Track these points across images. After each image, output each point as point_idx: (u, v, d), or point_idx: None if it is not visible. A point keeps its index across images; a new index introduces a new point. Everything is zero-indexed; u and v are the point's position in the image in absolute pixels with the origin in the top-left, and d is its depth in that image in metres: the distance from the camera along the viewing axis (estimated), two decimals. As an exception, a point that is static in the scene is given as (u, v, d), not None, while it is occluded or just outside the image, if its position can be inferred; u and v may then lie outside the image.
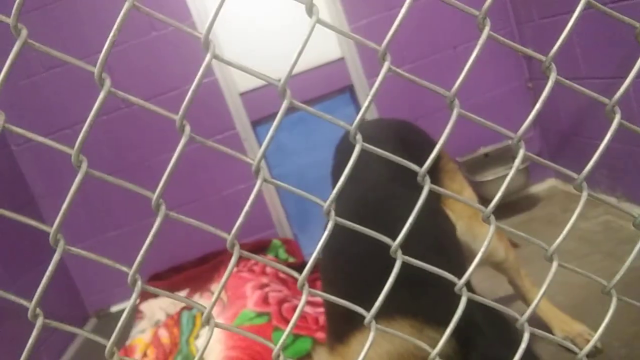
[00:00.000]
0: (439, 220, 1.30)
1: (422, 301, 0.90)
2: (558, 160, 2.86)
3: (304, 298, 0.51)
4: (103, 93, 0.43)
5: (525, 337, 0.54)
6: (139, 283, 0.48)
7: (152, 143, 2.66)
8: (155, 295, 2.42)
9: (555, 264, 0.52)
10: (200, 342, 1.86)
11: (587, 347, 0.53)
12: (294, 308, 2.07)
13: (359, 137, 0.48)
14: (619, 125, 0.51)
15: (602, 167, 2.47)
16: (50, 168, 2.61)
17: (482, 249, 0.50)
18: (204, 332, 1.92)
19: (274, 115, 2.04)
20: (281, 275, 2.35)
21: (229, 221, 0.49)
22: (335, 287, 1.15)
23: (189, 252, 2.66)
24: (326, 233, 0.49)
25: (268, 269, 2.36)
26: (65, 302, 2.56)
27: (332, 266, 1.20)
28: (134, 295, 0.47)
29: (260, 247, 2.59)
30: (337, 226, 0.52)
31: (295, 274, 0.53)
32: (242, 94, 2.70)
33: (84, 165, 0.45)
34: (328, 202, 0.49)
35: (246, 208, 0.48)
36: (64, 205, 0.44)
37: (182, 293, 2.42)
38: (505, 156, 2.82)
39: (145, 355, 1.87)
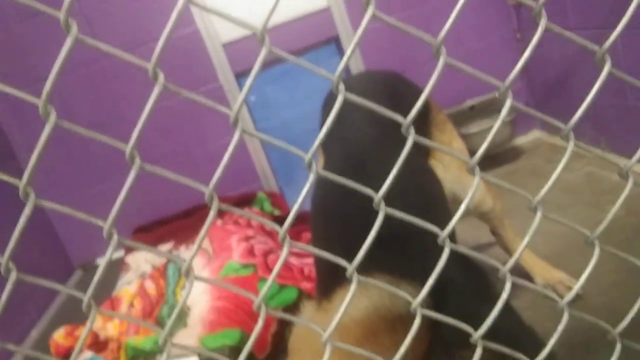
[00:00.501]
0: (425, 176, 1.29)
1: (399, 258, 0.91)
2: (544, 112, 2.83)
3: (285, 251, 0.51)
4: (70, 39, 0.40)
5: (507, 286, 0.54)
6: (115, 237, 0.46)
7: (134, 96, 2.60)
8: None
9: (539, 214, 0.51)
10: (185, 293, 1.87)
11: (570, 295, 0.54)
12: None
13: (341, 87, 0.46)
14: (609, 73, 0.49)
15: (586, 119, 2.47)
16: (30, 122, 2.55)
17: (466, 200, 0.50)
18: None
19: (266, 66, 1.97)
20: (266, 228, 2.36)
21: (213, 175, 0.47)
22: (322, 241, 1.16)
23: (174, 205, 2.65)
24: (307, 185, 0.48)
25: (253, 222, 2.37)
26: (49, 255, 2.56)
27: (320, 221, 1.21)
28: (110, 249, 0.46)
29: (246, 200, 2.58)
30: (326, 181, 0.51)
31: (277, 227, 0.52)
32: (225, 45, 2.63)
33: (52, 117, 0.43)
34: (309, 153, 0.48)
35: (224, 161, 0.47)
36: (33, 158, 0.43)
37: (168, 245, 2.42)
38: (490, 109, 2.81)
39: (131, 305, 1.88)
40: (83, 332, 0.49)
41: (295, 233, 2.36)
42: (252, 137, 2.77)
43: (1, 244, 0.52)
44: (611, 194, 2.14)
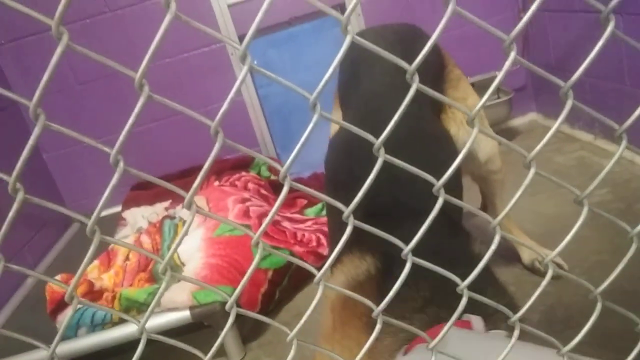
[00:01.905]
0: (432, 128, 1.29)
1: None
2: (542, 93, 2.86)
3: (285, 190, 0.52)
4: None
5: (496, 239, 0.56)
6: (121, 164, 0.48)
7: (137, 49, 2.59)
8: (137, 204, 2.44)
9: (532, 170, 0.53)
10: (181, 249, 1.90)
11: (554, 253, 0.56)
12: (274, 222, 2.11)
13: (350, 27, 0.47)
14: (612, 34, 0.50)
15: (583, 103, 2.48)
16: (31, 66, 2.54)
17: (465, 148, 0.51)
18: (185, 240, 1.96)
19: (263, 30, 1.99)
20: (262, 191, 2.38)
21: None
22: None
23: (173, 164, 2.66)
24: (310, 126, 0.49)
25: (250, 185, 2.39)
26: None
27: (332, 182, 1.26)
28: (116, 175, 0.47)
29: (243, 164, 2.59)
30: (339, 143, 0.52)
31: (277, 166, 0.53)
32: (230, 6, 2.60)
33: (65, 38, 0.43)
34: (314, 94, 0.49)
35: (231, 94, 0.48)
36: (45, 77, 0.43)
37: (164, 204, 2.45)
38: (489, 87, 2.80)
39: (127, 259, 1.91)
40: (85, 259, 0.50)
41: (290, 198, 2.38)
42: (253, 104, 2.77)
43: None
44: (600, 179, 2.17)
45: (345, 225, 0.54)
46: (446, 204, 0.54)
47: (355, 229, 0.54)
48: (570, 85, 0.50)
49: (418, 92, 0.50)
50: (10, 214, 0.48)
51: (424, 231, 0.54)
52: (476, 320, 0.74)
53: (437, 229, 0.58)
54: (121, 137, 0.47)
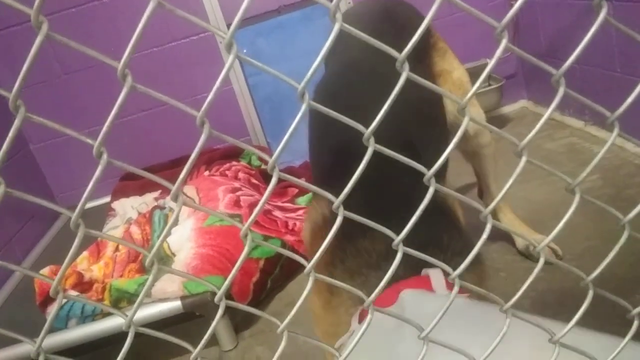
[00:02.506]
0: (425, 106, 1.27)
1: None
2: (533, 81, 2.86)
3: (273, 181, 0.51)
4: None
5: (487, 228, 0.55)
6: (105, 156, 0.47)
7: (123, 39, 2.55)
8: (126, 194, 2.42)
9: (524, 159, 0.52)
10: (171, 239, 1.89)
11: (544, 242, 0.55)
12: (265, 212, 2.10)
13: (338, 15, 0.46)
14: (604, 21, 0.49)
15: (572, 90, 2.48)
16: (17, 58, 2.49)
17: (457, 137, 0.50)
18: (175, 230, 1.95)
19: (252, 18, 1.96)
20: (253, 181, 2.37)
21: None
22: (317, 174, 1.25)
23: (162, 154, 2.64)
24: (299, 115, 0.48)
25: (240, 174, 2.37)
26: (36, 197, 2.55)
27: (315, 158, 1.26)
28: (100, 167, 0.46)
29: (234, 153, 2.58)
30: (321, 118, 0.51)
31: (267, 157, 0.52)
32: (219, -6, 2.57)
33: (44, 27, 0.42)
34: (302, 84, 0.48)
35: (216, 84, 0.47)
36: (24, 68, 0.42)
37: (154, 194, 2.43)
38: (480, 75, 2.79)
39: (117, 250, 1.90)
40: (70, 253, 0.49)
41: (281, 187, 2.38)
42: (242, 92, 2.75)
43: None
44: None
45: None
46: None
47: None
48: (562, 72, 0.49)
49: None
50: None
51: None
52: (435, 275, 0.74)
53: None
54: (104, 128, 0.46)
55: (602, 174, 2.03)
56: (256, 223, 1.98)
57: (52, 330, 1.65)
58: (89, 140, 0.47)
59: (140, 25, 0.43)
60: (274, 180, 0.51)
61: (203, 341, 0.57)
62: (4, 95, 0.45)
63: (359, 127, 0.51)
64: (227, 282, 0.55)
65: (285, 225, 2.07)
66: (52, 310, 1.65)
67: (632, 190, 1.88)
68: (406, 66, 0.49)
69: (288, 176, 0.54)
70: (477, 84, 0.52)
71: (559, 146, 2.38)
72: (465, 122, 0.52)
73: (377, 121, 0.50)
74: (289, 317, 0.55)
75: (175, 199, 0.50)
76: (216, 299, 0.54)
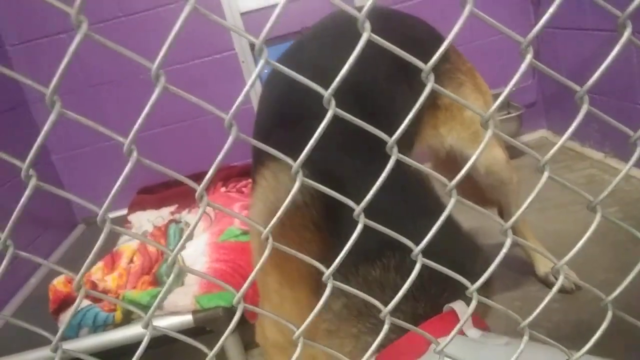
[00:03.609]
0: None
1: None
2: (552, 110, 2.86)
3: (296, 185, 0.52)
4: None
5: (507, 243, 0.55)
6: (135, 154, 0.48)
7: (150, 54, 2.61)
8: (143, 208, 2.45)
9: (546, 174, 0.53)
10: (186, 253, 1.90)
11: (563, 261, 0.55)
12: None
13: (367, 25, 0.47)
14: (628, 40, 0.50)
15: (592, 122, 2.47)
16: (42, 67, 2.56)
17: (477, 151, 0.51)
18: (190, 244, 1.96)
19: (275, 38, 1.98)
20: (269, 199, 2.38)
21: (224, 141, 0.48)
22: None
23: (180, 169, 2.64)
24: (325, 121, 0.49)
25: (257, 192, 2.38)
26: (54, 207, 2.59)
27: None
28: (129, 165, 0.47)
29: (251, 171, 2.59)
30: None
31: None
32: (243, 14, 2.63)
33: (84, 26, 0.44)
34: (329, 90, 0.49)
35: (246, 87, 0.48)
36: (62, 65, 0.44)
37: (170, 208, 2.45)
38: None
39: (131, 261, 1.91)
40: (94, 248, 0.50)
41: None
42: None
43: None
44: (610, 197, 2.16)
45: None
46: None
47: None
48: (587, 89, 0.50)
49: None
50: (22, 200, 0.48)
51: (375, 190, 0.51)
52: (459, 307, 0.71)
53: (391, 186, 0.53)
54: (136, 126, 0.47)
55: (621, 207, 2.01)
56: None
57: (64, 338, 1.65)
58: (121, 138, 0.49)
59: (176, 27, 0.44)
60: (297, 185, 0.52)
61: (216, 348, 0.58)
62: (28, 103, 0.46)
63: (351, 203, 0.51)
64: (245, 286, 0.55)
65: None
66: (65, 317, 1.66)
67: (652, 223, 1.85)
68: (432, 77, 0.50)
69: (312, 182, 0.55)
70: (497, 103, 0.52)
71: (578, 177, 2.36)
72: (488, 134, 0.53)
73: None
74: (305, 324, 0.55)
75: (200, 199, 0.51)
76: (235, 300, 0.55)
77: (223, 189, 2.42)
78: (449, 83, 1.40)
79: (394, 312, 0.77)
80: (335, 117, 0.49)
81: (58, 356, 0.56)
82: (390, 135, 0.50)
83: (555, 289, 0.56)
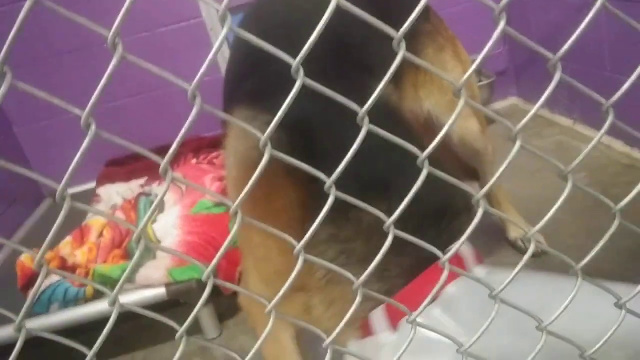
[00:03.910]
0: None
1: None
2: (524, 78, 2.87)
3: (266, 158, 0.50)
4: None
5: (479, 213, 0.55)
6: (93, 127, 0.45)
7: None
8: (112, 180, 2.39)
9: (518, 144, 0.52)
10: (158, 226, 1.87)
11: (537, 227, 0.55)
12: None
13: (335, -11, 0.45)
14: (602, 6, 0.49)
15: (562, 89, 2.50)
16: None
17: (450, 121, 0.50)
18: (162, 217, 1.93)
19: (245, 6, 1.90)
20: (241, 170, 2.35)
21: (190, 113, 0.46)
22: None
23: (148, 141, 2.60)
24: (293, 92, 0.47)
25: (229, 163, 2.35)
26: (19, 182, 2.51)
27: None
28: (87, 139, 0.45)
29: (222, 142, 2.55)
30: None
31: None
32: (211, -21, 2.54)
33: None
34: (297, 60, 0.47)
35: (210, 56, 0.46)
36: (12, 33, 0.41)
37: (140, 181, 2.40)
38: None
39: (101, 235, 1.87)
40: (55, 226, 0.48)
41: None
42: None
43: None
44: (578, 163, 2.21)
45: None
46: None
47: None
48: (560, 56, 0.49)
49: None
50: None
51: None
52: (467, 252, 0.71)
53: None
54: (93, 99, 0.45)
55: (588, 172, 2.05)
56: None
57: (34, 315, 1.62)
58: (77, 111, 0.46)
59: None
60: (266, 158, 0.50)
61: (188, 321, 0.57)
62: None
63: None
64: (215, 260, 0.54)
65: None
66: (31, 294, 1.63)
67: (619, 190, 1.89)
68: (403, 45, 0.48)
69: (281, 155, 0.53)
70: (470, 71, 0.51)
71: (547, 144, 2.40)
72: (460, 104, 0.52)
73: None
74: (277, 297, 0.54)
75: (164, 173, 0.49)
76: (204, 276, 0.53)
77: (194, 161, 2.38)
78: (430, 44, 1.36)
79: (399, 257, 0.75)
80: (313, 66, 0.48)
81: (22, 337, 0.54)
82: (363, 104, 0.48)
83: (526, 257, 0.56)
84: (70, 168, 0.46)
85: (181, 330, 0.53)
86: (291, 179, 0.82)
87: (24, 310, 0.51)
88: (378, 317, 0.71)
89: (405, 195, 0.51)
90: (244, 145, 0.93)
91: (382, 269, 0.67)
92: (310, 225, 0.51)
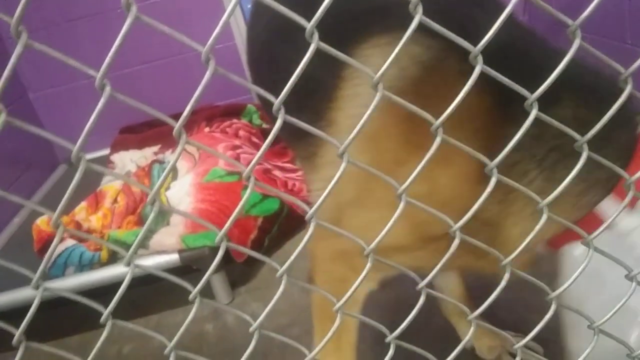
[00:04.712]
0: None
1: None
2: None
3: (278, 123, 0.50)
4: None
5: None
6: (108, 88, 0.46)
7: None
8: (126, 147, 2.41)
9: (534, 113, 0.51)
10: (170, 193, 1.89)
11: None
12: (265, 171, 2.10)
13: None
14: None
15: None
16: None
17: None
18: (174, 184, 1.95)
19: None
20: (253, 139, 2.36)
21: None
22: None
23: (160, 109, 2.59)
24: (307, 55, 0.47)
25: (241, 132, 2.36)
26: (34, 147, 2.54)
27: None
28: (102, 100, 0.45)
29: (234, 111, 2.55)
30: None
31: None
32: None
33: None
34: (311, 22, 0.46)
35: (224, 18, 0.45)
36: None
37: (153, 148, 2.42)
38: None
39: (115, 201, 1.90)
40: (71, 186, 0.49)
41: (281, 147, 2.37)
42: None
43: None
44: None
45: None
46: None
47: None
48: (579, 23, 0.48)
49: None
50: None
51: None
52: (607, 205, 0.70)
53: None
54: (107, 59, 0.45)
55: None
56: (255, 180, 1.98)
57: (50, 278, 1.66)
58: (92, 71, 0.46)
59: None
60: (279, 123, 0.50)
61: (200, 284, 0.58)
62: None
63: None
64: (228, 224, 0.55)
65: (285, 185, 2.07)
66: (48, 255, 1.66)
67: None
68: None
69: (294, 120, 0.53)
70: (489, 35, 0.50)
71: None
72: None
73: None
74: (288, 262, 0.55)
75: (178, 136, 0.50)
76: (217, 239, 0.54)
77: (207, 129, 2.39)
78: None
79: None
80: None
81: (39, 294, 0.56)
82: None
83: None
84: (86, 128, 0.47)
85: (194, 291, 0.54)
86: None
87: (41, 267, 0.53)
88: (608, 205, 0.70)
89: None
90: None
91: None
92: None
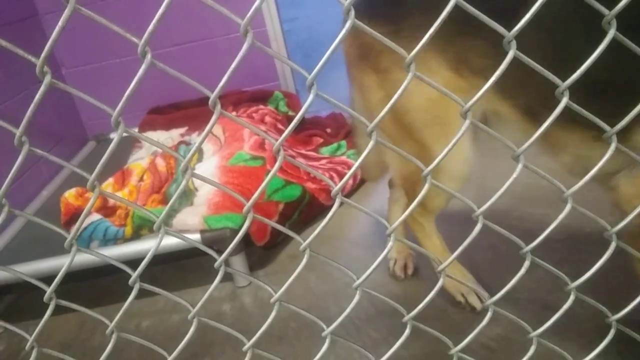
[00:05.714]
0: None
1: None
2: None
3: (310, 98, 0.51)
4: None
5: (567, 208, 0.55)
6: (149, 56, 0.47)
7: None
8: (153, 128, 2.45)
9: (520, 165, 0.51)
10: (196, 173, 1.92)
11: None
12: (289, 157, 2.11)
13: None
14: None
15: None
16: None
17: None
18: (199, 166, 1.98)
19: None
20: (279, 126, 2.37)
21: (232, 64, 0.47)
22: None
23: (190, 91, 2.64)
24: (339, 37, 0.48)
25: (267, 118, 2.38)
26: (64, 122, 2.60)
27: None
28: (143, 67, 0.47)
29: (262, 97, 2.57)
30: None
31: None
32: None
33: None
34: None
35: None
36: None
37: (180, 130, 2.45)
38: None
39: (141, 179, 1.93)
40: (110, 147, 0.51)
41: (306, 136, 2.38)
42: (276, 37, 2.72)
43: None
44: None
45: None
46: None
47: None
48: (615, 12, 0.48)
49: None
50: (37, 97, 0.48)
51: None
52: None
53: None
54: (150, 27, 0.47)
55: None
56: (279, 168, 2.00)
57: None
58: (135, 39, 0.48)
59: None
60: (311, 97, 0.52)
61: (229, 249, 0.59)
62: (39, 15, 0.45)
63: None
64: (255, 195, 0.56)
65: (307, 173, 2.08)
66: (78, 224, 1.70)
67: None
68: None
69: (325, 96, 0.54)
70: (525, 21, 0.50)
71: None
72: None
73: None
74: (312, 236, 0.56)
75: (213, 106, 0.51)
76: (244, 210, 0.55)
77: (233, 114, 2.41)
78: None
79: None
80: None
81: (72, 254, 0.58)
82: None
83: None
84: (125, 95, 0.49)
85: (220, 258, 0.56)
86: None
87: (75, 226, 0.55)
88: None
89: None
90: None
91: None
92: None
